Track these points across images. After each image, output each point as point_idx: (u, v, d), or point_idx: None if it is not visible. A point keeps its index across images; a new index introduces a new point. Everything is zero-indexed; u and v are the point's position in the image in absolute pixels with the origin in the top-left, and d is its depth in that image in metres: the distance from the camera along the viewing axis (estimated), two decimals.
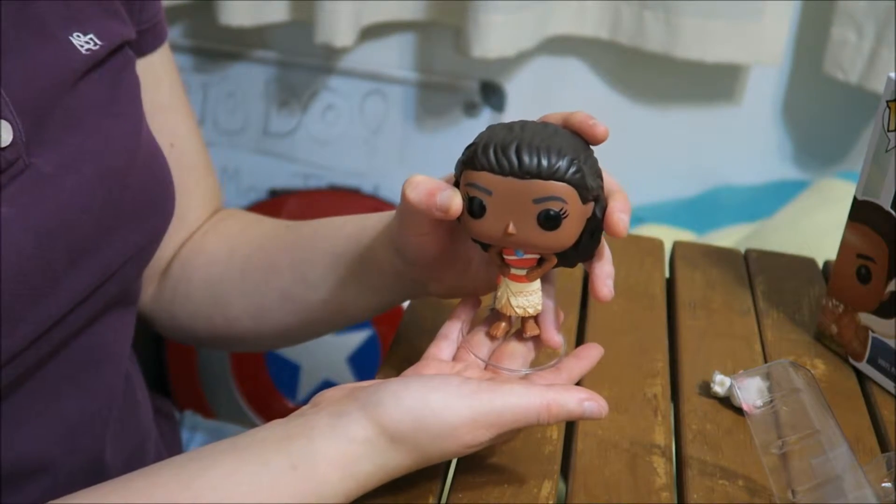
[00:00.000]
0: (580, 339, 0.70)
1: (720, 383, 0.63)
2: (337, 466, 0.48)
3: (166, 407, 0.83)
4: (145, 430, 0.71)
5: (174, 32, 1.44)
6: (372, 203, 1.46)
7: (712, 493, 0.55)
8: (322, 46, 1.29)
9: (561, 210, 0.50)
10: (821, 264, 0.83)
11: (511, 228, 0.51)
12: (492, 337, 0.57)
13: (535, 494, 0.54)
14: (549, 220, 0.50)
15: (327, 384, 1.41)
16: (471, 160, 0.52)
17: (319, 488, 0.48)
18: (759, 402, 0.54)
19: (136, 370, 0.72)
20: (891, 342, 0.65)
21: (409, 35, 1.41)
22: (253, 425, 0.63)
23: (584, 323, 0.72)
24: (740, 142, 1.42)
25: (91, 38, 0.58)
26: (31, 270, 0.51)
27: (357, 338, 1.40)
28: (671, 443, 0.60)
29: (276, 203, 1.47)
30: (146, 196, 0.61)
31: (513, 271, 0.54)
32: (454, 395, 0.49)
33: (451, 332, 0.58)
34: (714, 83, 1.39)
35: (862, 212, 0.66)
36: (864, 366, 0.68)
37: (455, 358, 0.57)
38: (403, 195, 0.53)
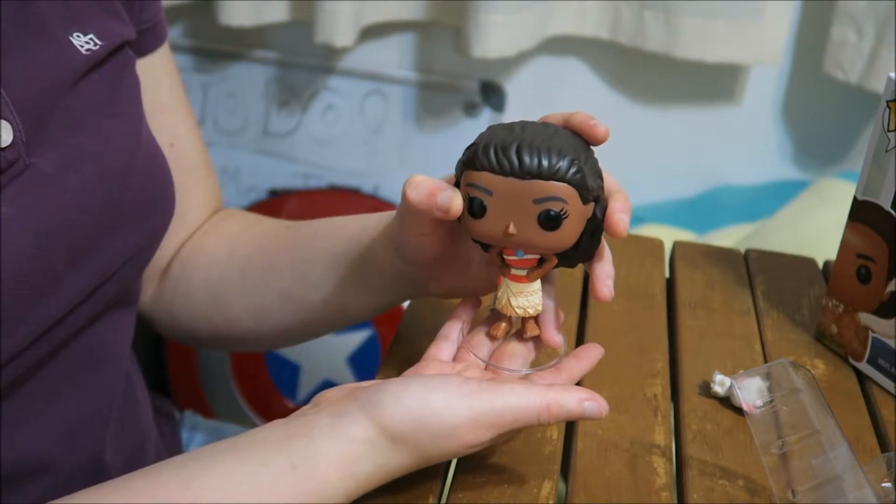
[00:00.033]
0: (580, 339, 0.70)
1: (720, 383, 0.63)
2: (337, 466, 0.48)
3: (166, 407, 0.83)
4: (145, 430, 0.71)
5: (174, 32, 1.44)
6: (372, 203, 1.46)
7: (712, 493, 0.55)
8: (322, 46, 1.29)
9: (561, 210, 0.50)
10: (821, 264, 0.83)
11: (511, 229, 0.51)
12: (492, 337, 0.57)
13: (535, 494, 0.54)
14: (550, 221, 0.50)
15: (327, 384, 1.41)
16: (471, 160, 0.52)
17: (320, 488, 0.48)
18: (759, 402, 0.54)
19: (136, 370, 0.72)
20: (891, 342, 0.65)
21: (409, 35, 1.41)
22: (253, 425, 0.63)
23: (584, 323, 0.72)
24: (740, 142, 1.42)
25: (91, 38, 0.58)
26: (31, 270, 0.51)
27: (357, 338, 1.40)
28: (671, 443, 0.60)
29: (276, 203, 1.47)
30: (146, 196, 0.61)
31: (513, 272, 0.54)
32: (454, 395, 0.49)
33: (452, 333, 0.58)
34: (714, 83, 1.39)
35: (862, 212, 0.66)
36: (864, 366, 0.68)
37: (455, 358, 0.57)
38: (404, 195, 0.53)
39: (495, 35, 1.25)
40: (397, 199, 0.56)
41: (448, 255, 0.59)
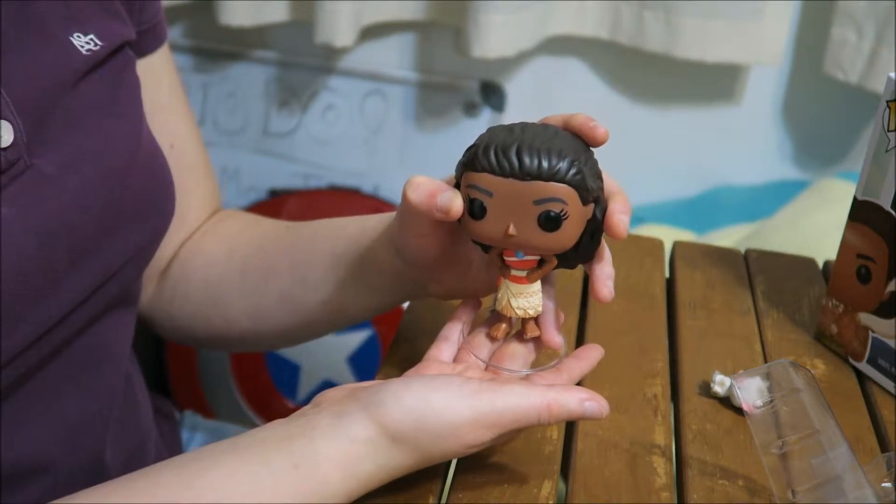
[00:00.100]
0: (580, 340, 0.70)
1: (720, 383, 0.63)
2: (338, 466, 0.48)
3: (166, 407, 0.83)
4: (145, 430, 0.71)
5: (174, 32, 1.44)
6: (372, 203, 1.46)
7: (712, 493, 0.55)
8: (322, 46, 1.29)
9: (561, 211, 0.50)
10: (821, 264, 0.83)
11: (511, 230, 0.51)
12: (492, 338, 0.57)
13: (535, 494, 0.54)
14: (550, 222, 0.50)
15: (327, 384, 1.41)
16: (471, 162, 0.52)
17: (321, 488, 0.48)
18: (759, 402, 0.54)
19: (137, 370, 0.72)
20: (891, 342, 0.65)
21: (409, 35, 1.41)
22: (253, 425, 0.63)
23: (584, 323, 0.72)
24: (740, 142, 1.42)
25: (91, 39, 0.58)
26: (32, 271, 0.51)
27: (357, 338, 1.40)
28: (671, 443, 0.60)
29: (276, 203, 1.47)
30: (147, 196, 0.61)
31: (513, 273, 0.54)
32: (455, 395, 0.49)
33: (452, 334, 0.58)
34: (714, 83, 1.39)
35: (862, 212, 0.66)
36: (864, 366, 0.68)
37: (456, 359, 0.57)
38: (404, 196, 0.53)
39: (495, 35, 1.25)
40: (397, 199, 0.56)
41: (448, 257, 0.59)
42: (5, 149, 0.51)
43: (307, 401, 0.54)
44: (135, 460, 0.69)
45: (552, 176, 0.50)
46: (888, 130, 0.63)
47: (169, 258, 0.73)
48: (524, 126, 0.52)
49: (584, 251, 0.53)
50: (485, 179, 0.51)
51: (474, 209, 0.52)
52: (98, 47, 0.58)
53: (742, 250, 0.85)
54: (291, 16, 1.33)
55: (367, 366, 1.40)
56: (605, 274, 0.54)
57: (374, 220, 0.63)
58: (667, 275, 0.81)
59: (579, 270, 0.77)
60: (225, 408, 1.46)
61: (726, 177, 1.42)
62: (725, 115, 1.40)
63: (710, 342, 0.70)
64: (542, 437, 0.58)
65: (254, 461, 0.48)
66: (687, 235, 1.31)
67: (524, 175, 0.50)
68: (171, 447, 0.79)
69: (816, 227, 1.16)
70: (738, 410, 0.61)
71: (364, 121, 1.46)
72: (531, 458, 0.56)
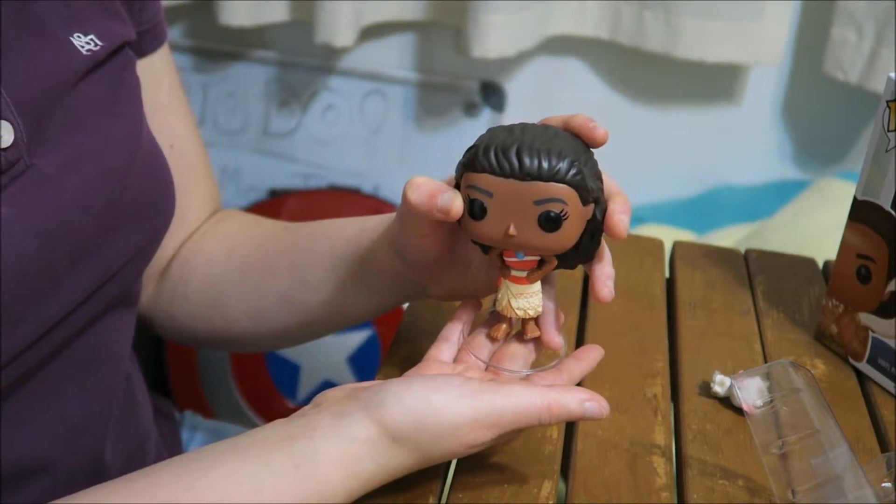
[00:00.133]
0: (580, 340, 0.70)
1: (720, 383, 0.63)
2: (339, 466, 0.48)
3: (166, 407, 0.83)
4: (145, 430, 0.71)
5: (174, 32, 1.44)
6: (372, 203, 1.46)
7: (712, 493, 0.55)
8: (322, 46, 1.29)
9: (561, 212, 0.50)
10: (821, 264, 0.83)
11: (512, 230, 0.51)
12: (492, 339, 0.57)
13: (535, 494, 0.54)
14: (550, 222, 0.51)
15: (327, 384, 1.41)
16: (471, 162, 0.52)
17: (321, 488, 0.48)
18: (759, 402, 0.54)
19: (137, 370, 0.72)
20: (891, 342, 0.65)
21: (409, 35, 1.41)
22: (253, 425, 0.63)
23: (584, 323, 0.72)
24: (740, 142, 1.42)
25: (91, 39, 0.58)
26: (32, 271, 0.51)
27: (357, 338, 1.40)
28: (671, 443, 0.60)
29: (276, 203, 1.47)
30: (147, 196, 0.61)
31: (513, 273, 0.54)
32: (456, 396, 0.49)
33: (452, 334, 0.58)
34: (714, 83, 1.39)
35: (862, 212, 0.66)
36: (864, 366, 0.68)
37: (456, 360, 0.57)
38: (404, 196, 0.53)
39: (495, 35, 1.25)
40: (397, 199, 0.56)
41: (448, 257, 0.59)
42: (5, 149, 0.51)
43: (307, 401, 0.54)
44: (135, 460, 0.69)
45: (552, 176, 0.50)
46: (888, 130, 0.63)
47: (169, 258, 0.73)
48: (524, 127, 0.52)
49: (584, 252, 0.54)
50: (485, 180, 0.51)
51: (474, 210, 0.52)
52: (98, 47, 0.58)
53: (742, 250, 0.85)
54: (291, 16, 1.33)
55: (367, 366, 1.40)
56: (605, 274, 0.54)
57: (374, 221, 0.63)
58: (667, 275, 0.81)
59: (579, 271, 0.77)
60: (225, 408, 1.46)
61: (726, 177, 1.42)
62: (725, 115, 1.40)
63: (710, 342, 0.70)
64: (542, 437, 0.58)
65: (254, 461, 0.48)
66: (687, 235, 1.31)
67: (524, 175, 0.50)
68: (171, 447, 0.79)
69: (816, 227, 1.16)
70: (738, 410, 0.61)
71: (364, 121, 1.46)
72: (531, 458, 0.56)
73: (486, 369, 0.56)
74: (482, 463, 0.55)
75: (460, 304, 0.60)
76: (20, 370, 0.54)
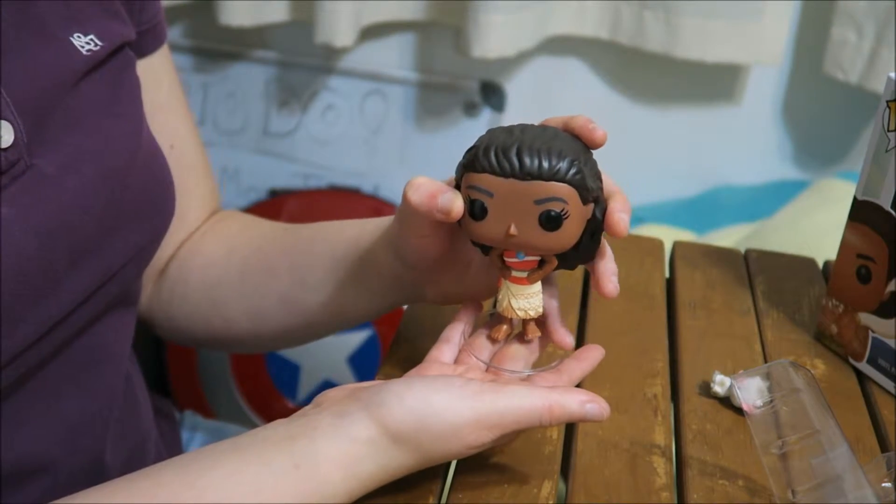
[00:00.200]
0: (580, 340, 0.70)
1: (720, 383, 0.63)
2: (339, 466, 0.48)
3: (166, 407, 0.83)
4: (145, 430, 0.71)
5: (174, 32, 1.44)
6: (372, 203, 1.46)
7: (712, 493, 0.55)
8: (322, 46, 1.29)
9: (562, 211, 0.50)
10: (821, 264, 0.83)
11: (513, 230, 0.51)
12: (493, 340, 0.57)
13: (535, 494, 0.54)
14: (551, 221, 0.51)
15: (327, 384, 1.41)
16: (472, 163, 0.52)
17: (322, 488, 0.48)
18: (759, 402, 0.54)
19: (137, 370, 0.72)
20: (891, 342, 0.65)
21: (409, 35, 1.41)
22: (253, 425, 0.63)
23: (584, 323, 0.72)
24: (740, 142, 1.42)
25: (91, 39, 0.58)
26: (32, 271, 0.51)
27: (357, 338, 1.40)
28: (671, 443, 0.60)
29: (276, 203, 1.47)
30: (147, 196, 0.61)
31: (514, 274, 0.54)
32: (457, 396, 0.49)
33: (453, 336, 0.58)
34: (714, 83, 1.39)
35: (862, 212, 0.66)
36: (864, 366, 0.68)
37: (456, 361, 0.57)
38: (405, 197, 0.53)
39: (495, 35, 1.25)
40: (397, 200, 0.56)
41: (447, 259, 0.59)
42: (5, 149, 0.51)
43: (307, 401, 0.54)
44: (135, 460, 0.69)
45: (552, 176, 0.50)
46: (888, 130, 0.63)
47: (168, 258, 0.73)
48: (524, 127, 0.53)
49: (584, 251, 0.54)
50: (485, 180, 0.51)
51: (475, 210, 0.52)
52: (98, 47, 0.58)
53: (742, 250, 0.85)
54: (291, 16, 1.33)
55: (367, 366, 1.40)
56: (609, 270, 0.54)
57: (374, 223, 0.63)
58: (667, 275, 0.81)
59: (579, 271, 0.77)
60: (225, 408, 1.46)
61: (726, 177, 1.42)
62: (725, 115, 1.40)
63: (710, 342, 0.70)
64: (542, 437, 0.58)
65: (255, 461, 0.48)
66: (687, 235, 1.31)
67: (525, 175, 0.50)
68: (171, 447, 0.79)
69: (816, 227, 1.16)
70: (738, 410, 0.61)
71: (364, 121, 1.46)
72: (531, 458, 0.56)
73: (486, 370, 0.56)
74: (482, 463, 0.55)
75: (461, 306, 0.60)
76: (20, 370, 0.54)
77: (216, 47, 1.45)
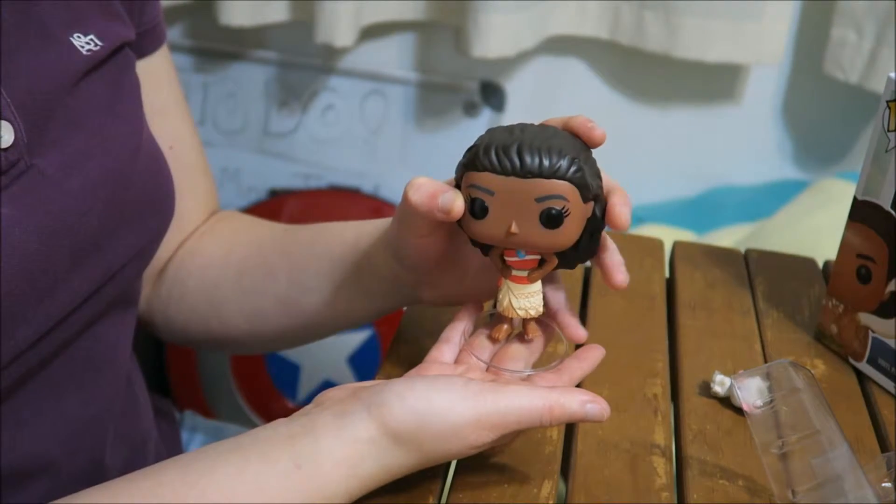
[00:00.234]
0: None
1: (720, 383, 0.63)
2: (341, 466, 0.49)
3: (166, 407, 0.83)
4: (145, 430, 0.71)
5: (174, 32, 1.44)
6: (372, 203, 1.46)
7: (712, 493, 0.55)
8: (322, 46, 1.29)
9: (563, 208, 0.51)
10: (821, 264, 0.83)
11: (514, 228, 0.51)
12: (493, 340, 0.58)
13: (535, 494, 0.54)
14: (552, 219, 0.51)
15: (327, 384, 1.41)
16: (472, 162, 0.52)
17: (323, 487, 0.48)
18: (759, 402, 0.54)
19: (137, 371, 0.72)
20: (891, 342, 0.65)
21: (409, 35, 1.41)
22: (253, 425, 0.63)
23: (585, 323, 0.72)
24: (740, 142, 1.42)
25: (92, 39, 0.58)
26: (33, 271, 0.51)
27: (357, 338, 1.40)
28: (671, 443, 0.60)
29: (276, 203, 1.47)
30: (147, 196, 0.61)
31: (514, 273, 0.55)
32: (458, 396, 0.49)
33: (453, 336, 0.58)
34: (714, 83, 1.39)
35: (862, 212, 0.66)
36: (864, 366, 0.68)
37: (457, 361, 0.57)
38: (405, 197, 0.54)
39: (495, 35, 1.25)
40: (397, 200, 0.56)
41: (445, 261, 0.59)
42: (6, 149, 0.51)
43: (307, 401, 0.54)
44: (135, 461, 0.69)
45: (553, 173, 0.50)
46: (888, 130, 0.63)
47: (166, 259, 0.73)
48: (523, 126, 0.53)
49: (583, 250, 0.54)
50: (486, 179, 0.51)
51: (475, 209, 0.52)
52: (98, 48, 0.58)
53: (742, 250, 0.85)
54: (291, 16, 1.33)
55: (367, 366, 1.40)
56: (616, 261, 0.55)
57: (373, 225, 0.63)
58: (667, 275, 0.81)
59: (579, 270, 0.77)
60: (225, 408, 1.46)
61: (726, 177, 1.42)
62: (725, 115, 1.40)
63: (710, 342, 0.70)
64: (542, 437, 0.58)
65: (257, 460, 0.48)
66: (687, 235, 1.31)
67: (526, 173, 0.50)
68: (171, 447, 0.79)
69: (816, 227, 1.16)
70: (738, 410, 0.61)
71: (364, 121, 1.46)
72: (531, 458, 0.57)
73: (486, 370, 0.56)
74: (482, 463, 0.55)
75: (462, 307, 0.60)
76: (21, 370, 0.54)
77: (216, 47, 1.45)
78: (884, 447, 0.61)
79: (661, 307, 0.75)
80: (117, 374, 0.65)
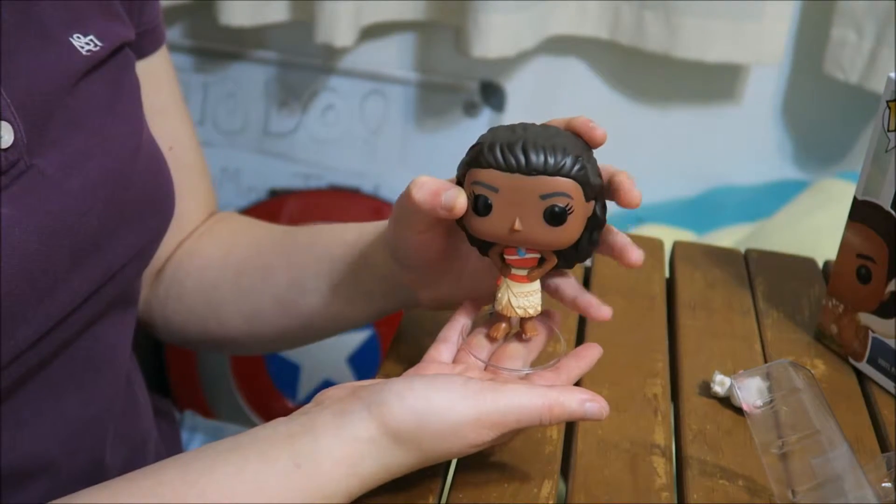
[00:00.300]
0: (580, 339, 0.70)
1: (720, 383, 0.63)
2: (341, 465, 0.49)
3: (166, 407, 0.83)
4: (145, 430, 0.71)
5: (174, 32, 1.44)
6: (372, 203, 1.46)
7: (712, 493, 0.55)
8: (322, 46, 1.29)
9: (567, 206, 0.51)
10: (821, 264, 0.83)
11: (517, 225, 0.51)
12: (492, 339, 0.58)
13: (535, 494, 0.54)
14: (555, 216, 0.51)
15: (327, 384, 1.41)
16: (476, 159, 0.52)
17: (323, 487, 0.48)
18: (759, 402, 0.54)
19: (137, 370, 0.72)
20: (891, 342, 0.65)
21: (409, 35, 1.40)
22: (253, 425, 0.63)
23: (584, 323, 0.72)
24: (740, 142, 1.42)
25: (91, 39, 0.58)
26: (33, 271, 0.51)
27: (357, 338, 1.40)
28: (671, 443, 0.60)
29: (276, 203, 1.47)
30: (147, 196, 0.61)
31: (514, 271, 0.55)
32: (458, 395, 0.49)
33: (451, 335, 0.58)
34: (714, 83, 1.39)
35: (862, 212, 0.66)
36: (864, 366, 0.68)
37: (455, 360, 0.57)
38: (408, 194, 0.54)
39: (495, 35, 1.25)
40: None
41: (443, 261, 0.59)
42: (5, 149, 0.51)
43: (307, 401, 0.54)
44: (135, 460, 0.69)
45: (557, 171, 0.50)
46: (888, 130, 0.63)
47: (165, 260, 0.73)
48: (526, 126, 0.53)
49: (583, 249, 0.54)
50: (490, 175, 0.51)
51: (479, 205, 0.52)
52: (98, 48, 0.58)
53: (742, 250, 0.85)
54: (291, 16, 1.33)
55: (367, 366, 1.40)
56: (626, 241, 0.55)
57: (372, 226, 0.63)
58: (667, 275, 0.81)
59: (580, 270, 0.77)
60: (225, 408, 1.46)
61: (726, 177, 1.42)
62: (725, 115, 1.40)
63: (710, 342, 0.70)
64: (542, 436, 0.58)
65: (256, 460, 0.48)
66: (687, 235, 1.31)
67: (530, 170, 0.50)
68: (171, 447, 0.79)
69: (816, 227, 1.16)
70: (738, 410, 0.61)
71: (364, 121, 1.46)
72: (531, 457, 0.56)
73: (485, 369, 0.56)
74: (482, 463, 0.55)
75: (460, 306, 0.60)
76: (21, 370, 0.54)
77: (216, 47, 1.45)
78: (884, 447, 0.61)
79: (661, 307, 0.75)
80: (117, 375, 0.65)
